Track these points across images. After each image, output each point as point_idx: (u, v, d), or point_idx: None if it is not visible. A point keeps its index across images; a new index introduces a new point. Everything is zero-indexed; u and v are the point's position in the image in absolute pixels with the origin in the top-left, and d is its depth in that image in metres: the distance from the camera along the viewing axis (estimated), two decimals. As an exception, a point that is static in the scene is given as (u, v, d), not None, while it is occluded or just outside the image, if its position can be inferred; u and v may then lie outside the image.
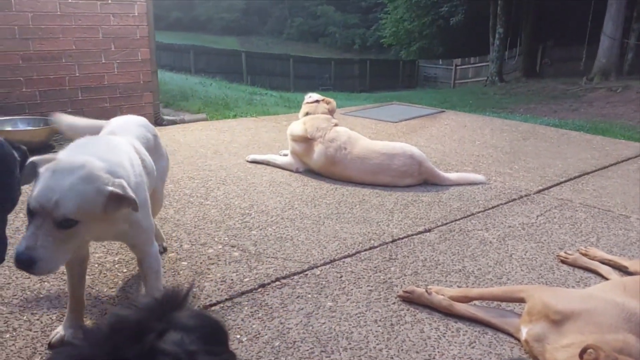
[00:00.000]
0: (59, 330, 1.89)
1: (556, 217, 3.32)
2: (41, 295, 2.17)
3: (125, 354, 0.62)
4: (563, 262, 2.69)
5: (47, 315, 2.04)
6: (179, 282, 2.35)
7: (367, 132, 5.31)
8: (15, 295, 2.16)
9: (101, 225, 1.60)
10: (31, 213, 1.46)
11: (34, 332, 1.93)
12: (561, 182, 4.03)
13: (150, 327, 0.66)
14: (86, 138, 1.85)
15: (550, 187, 3.92)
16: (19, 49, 4.53)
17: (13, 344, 1.86)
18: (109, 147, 1.79)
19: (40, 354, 1.82)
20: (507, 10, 20.22)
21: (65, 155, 1.58)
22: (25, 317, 2.02)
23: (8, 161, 1.43)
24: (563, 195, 3.73)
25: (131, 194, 1.56)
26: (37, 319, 2.01)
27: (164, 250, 2.58)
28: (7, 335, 1.90)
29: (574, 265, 2.65)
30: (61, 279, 2.29)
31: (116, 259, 2.52)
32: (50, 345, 1.85)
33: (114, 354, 0.62)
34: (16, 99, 4.60)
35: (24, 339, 1.89)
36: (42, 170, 1.50)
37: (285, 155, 4.22)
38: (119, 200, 1.55)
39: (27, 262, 1.42)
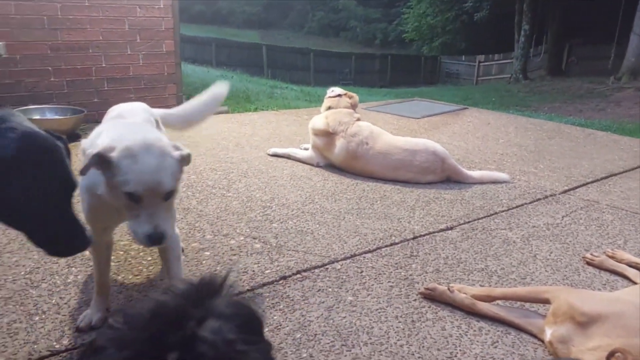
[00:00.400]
0: (87, 314, 1.93)
1: (582, 218, 3.27)
2: (69, 280, 2.21)
3: (166, 340, 0.63)
4: (589, 264, 2.64)
5: (75, 299, 2.08)
6: (202, 272, 2.37)
7: (389, 127, 5.28)
8: (44, 279, 2.21)
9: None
10: (136, 198, 1.57)
11: (63, 315, 1.97)
12: (587, 183, 3.96)
13: (189, 314, 0.66)
14: (108, 123, 1.90)
15: (576, 187, 3.86)
16: (47, 39, 4.60)
17: (42, 327, 1.90)
18: (137, 126, 1.85)
19: (68, 336, 1.85)
20: (533, 7, 19.88)
21: (126, 139, 1.61)
22: (53, 301, 2.06)
23: (59, 152, 1.49)
24: (589, 196, 3.67)
25: (187, 150, 1.72)
26: (65, 303, 2.05)
27: None
28: (37, 318, 1.95)
29: (600, 267, 2.61)
30: (88, 264, 2.33)
31: (140, 246, 2.55)
32: (78, 329, 1.88)
33: (154, 338, 0.63)
34: (44, 88, 4.68)
35: (52, 322, 1.93)
36: (116, 159, 1.56)
37: (306, 149, 4.22)
38: (184, 159, 1.70)
39: (160, 238, 1.60)
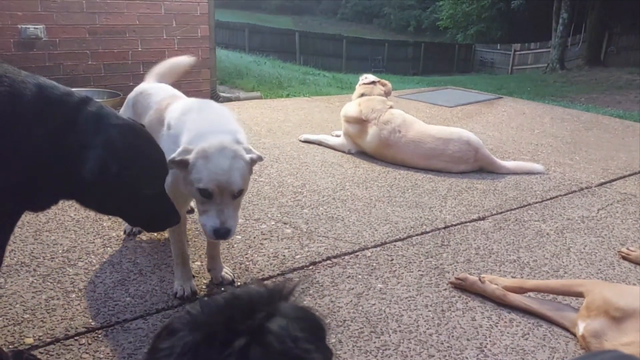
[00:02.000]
0: (180, 285, 2.05)
1: (618, 211, 3.19)
2: (104, 260, 2.27)
3: (236, 327, 0.68)
4: (624, 258, 2.58)
5: (110, 278, 2.14)
6: (233, 255, 2.40)
7: (422, 115, 5.22)
8: (80, 258, 2.27)
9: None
10: (208, 194, 1.72)
11: (98, 293, 2.03)
12: (625, 176, 3.85)
13: (260, 309, 0.72)
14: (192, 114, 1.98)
15: (613, 180, 3.76)
16: (86, 22, 4.69)
17: (79, 304, 1.96)
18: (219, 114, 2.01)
19: (103, 314, 1.91)
20: (572, -6, 19.30)
21: (203, 141, 1.75)
22: (89, 279, 2.12)
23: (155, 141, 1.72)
24: (627, 190, 3.58)
25: (257, 152, 1.87)
26: (101, 282, 2.11)
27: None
28: (73, 295, 2.01)
29: (636, 262, 2.54)
30: (124, 245, 2.39)
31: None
32: (182, 298, 2.03)
33: (227, 324, 0.68)
34: (82, 71, 4.77)
35: (88, 300, 1.99)
36: (192, 159, 1.72)
37: (338, 136, 4.21)
38: (254, 162, 1.85)
39: (226, 233, 1.76)
